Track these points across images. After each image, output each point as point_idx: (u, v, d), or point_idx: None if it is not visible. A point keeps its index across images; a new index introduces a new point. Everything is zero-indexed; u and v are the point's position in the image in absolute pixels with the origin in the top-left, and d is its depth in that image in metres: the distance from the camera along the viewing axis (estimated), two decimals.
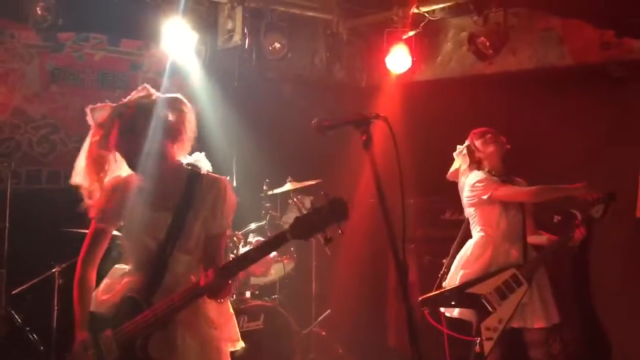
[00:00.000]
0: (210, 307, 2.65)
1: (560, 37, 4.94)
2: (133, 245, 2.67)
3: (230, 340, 2.74)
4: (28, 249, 4.63)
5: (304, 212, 2.99)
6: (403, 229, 2.20)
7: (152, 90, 2.65)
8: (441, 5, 5.16)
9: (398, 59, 5.35)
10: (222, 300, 2.57)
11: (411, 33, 5.26)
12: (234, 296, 4.77)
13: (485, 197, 4.13)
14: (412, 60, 5.34)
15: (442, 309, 4.21)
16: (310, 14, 5.58)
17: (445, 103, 5.46)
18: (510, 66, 5.17)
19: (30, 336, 4.51)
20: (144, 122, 2.55)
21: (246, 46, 5.29)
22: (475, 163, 4.30)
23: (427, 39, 5.56)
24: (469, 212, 4.33)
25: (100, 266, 2.75)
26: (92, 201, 2.67)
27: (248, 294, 4.99)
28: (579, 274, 4.99)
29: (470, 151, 4.32)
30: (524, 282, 4.02)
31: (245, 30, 5.24)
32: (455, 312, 4.18)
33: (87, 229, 2.74)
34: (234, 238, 4.81)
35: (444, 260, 4.49)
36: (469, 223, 4.37)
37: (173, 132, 2.63)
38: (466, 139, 4.36)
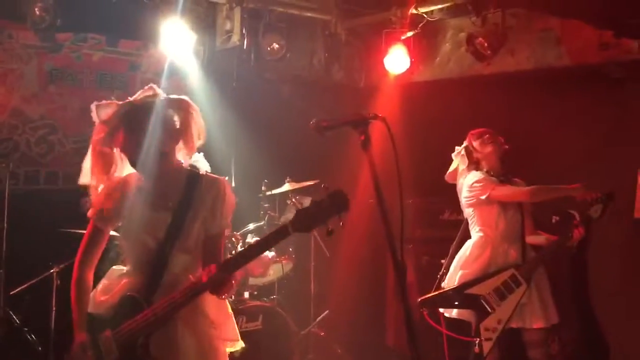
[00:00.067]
0: (209, 306, 2.65)
1: (558, 37, 4.94)
2: (132, 244, 2.66)
3: (228, 339, 2.74)
4: (26, 250, 4.62)
5: None
6: (401, 230, 2.20)
7: (159, 90, 2.65)
8: (439, 6, 5.16)
9: (396, 60, 5.35)
10: (224, 296, 2.57)
11: (410, 34, 5.26)
12: (233, 297, 4.77)
13: (483, 197, 4.14)
14: (411, 61, 5.34)
15: (441, 310, 4.21)
16: (309, 14, 5.57)
17: (444, 104, 5.46)
18: (509, 67, 5.17)
19: (29, 337, 4.51)
20: (149, 121, 2.54)
21: (244, 47, 5.29)
22: (473, 164, 4.31)
23: (426, 39, 5.57)
24: (467, 212, 4.33)
25: (98, 267, 2.75)
26: (91, 201, 2.67)
27: (247, 294, 4.98)
28: (577, 274, 4.99)
29: (469, 152, 4.32)
30: (522, 282, 4.02)
31: (244, 31, 5.24)
32: (454, 313, 4.18)
33: (86, 229, 2.74)
34: (233, 239, 4.81)
35: (443, 261, 4.50)
36: (467, 223, 4.37)
37: (176, 133, 2.63)
38: (465, 139, 4.37)
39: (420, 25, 5.24)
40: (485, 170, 4.26)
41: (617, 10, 4.40)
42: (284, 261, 5.20)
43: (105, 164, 2.63)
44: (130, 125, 2.56)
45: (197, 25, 5.16)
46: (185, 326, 2.58)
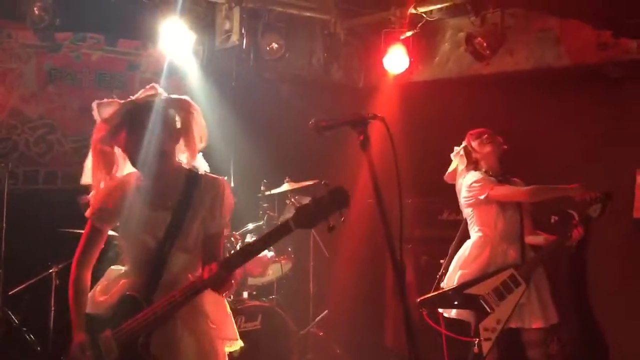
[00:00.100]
0: (209, 305, 2.66)
1: (557, 37, 4.94)
2: (131, 244, 2.66)
3: (227, 339, 2.74)
4: (25, 250, 4.62)
5: None
6: (400, 229, 2.20)
7: (161, 90, 2.65)
8: (439, 6, 5.16)
9: (395, 60, 5.35)
10: (225, 294, 2.57)
11: (409, 33, 5.26)
12: (232, 296, 4.77)
13: (482, 197, 4.14)
14: (410, 61, 5.34)
15: (440, 310, 4.21)
16: (308, 14, 5.57)
17: (443, 103, 5.46)
18: (508, 67, 5.17)
19: (27, 337, 4.51)
20: (149, 120, 2.54)
21: (244, 46, 5.28)
22: (472, 164, 4.31)
23: (425, 39, 5.57)
24: (466, 212, 4.33)
25: (97, 267, 2.74)
26: (89, 201, 2.67)
27: (245, 294, 4.98)
28: (576, 274, 4.99)
29: (467, 152, 4.32)
30: (522, 282, 4.02)
31: (243, 31, 5.23)
32: (453, 313, 4.18)
33: (84, 229, 2.73)
34: (232, 238, 4.81)
35: (442, 261, 4.50)
36: (467, 223, 4.37)
37: (177, 133, 2.63)
38: (464, 139, 4.37)
39: (419, 25, 5.24)
40: (484, 170, 4.26)
41: (615, 10, 4.40)
42: (283, 261, 5.20)
43: (106, 163, 2.62)
44: (132, 124, 2.56)
45: (196, 25, 5.16)
46: (184, 325, 2.58)
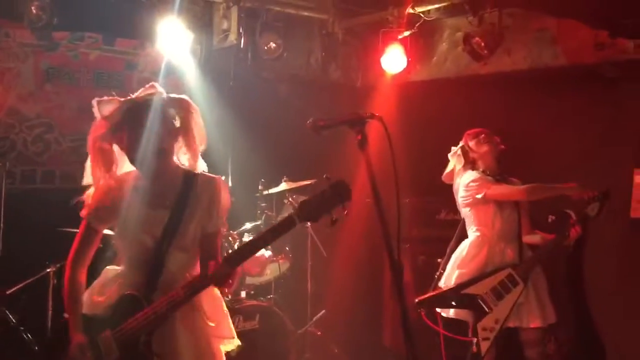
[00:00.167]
0: (206, 303, 2.66)
1: (554, 37, 4.95)
2: (129, 244, 2.66)
3: (224, 337, 2.74)
4: (23, 249, 4.61)
5: None
6: (398, 229, 2.20)
7: (161, 89, 2.65)
8: (436, 6, 5.16)
9: (393, 59, 5.35)
10: (227, 290, 2.58)
11: (406, 33, 5.26)
12: (229, 296, 4.77)
13: (479, 196, 4.14)
14: (408, 61, 5.35)
15: (438, 310, 4.21)
16: (306, 13, 5.57)
17: (441, 103, 5.47)
18: (505, 66, 5.18)
19: (25, 336, 4.50)
20: (149, 119, 2.54)
21: (242, 46, 5.28)
22: (469, 163, 4.32)
23: (423, 39, 5.57)
24: (464, 212, 4.34)
25: (94, 267, 2.74)
26: (85, 200, 2.66)
27: (243, 293, 4.98)
28: (573, 273, 5.00)
29: (465, 152, 4.33)
30: (520, 281, 4.03)
31: (241, 30, 5.23)
32: (451, 313, 4.19)
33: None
34: (229, 238, 4.81)
35: (439, 260, 4.50)
36: (465, 223, 4.38)
37: (176, 132, 2.63)
38: (461, 139, 4.38)
39: (417, 25, 5.25)
40: (481, 170, 4.26)
41: (612, 11, 4.41)
42: (280, 260, 5.21)
43: (105, 160, 2.61)
44: (133, 122, 2.56)
45: (194, 24, 5.15)
46: (182, 323, 2.59)
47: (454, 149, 4.40)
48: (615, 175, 4.68)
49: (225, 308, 2.78)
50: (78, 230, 2.73)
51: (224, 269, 2.44)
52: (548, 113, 5.12)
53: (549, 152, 5.01)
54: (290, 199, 5.25)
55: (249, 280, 5.09)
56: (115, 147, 2.64)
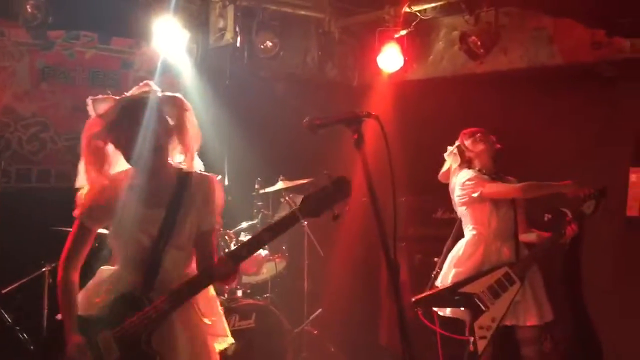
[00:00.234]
0: (201, 302, 2.66)
1: (551, 36, 4.95)
2: (125, 243, 2.64)
3: (218, 335, 2.74)
4: (18, 248, 4.60)
5: None
6: (394, 228, 2.21)
7: (155, 87, 2.65)
8: (433, 5, 5.16)
9: (390, 58, 5.35)
10: (228, 286, 2.58)
11: (403, 32, 5.26)
12: (226, 295, 4.76)
13: (475, 195, 4.15)
14: (404, 59, 5.35)
15: (434, 308, 4.21)
16: (302, 12, 5.57)
17: (437, 102, 5.47)
18: (502, 65, 5.18)
19: (21, 336, 4.48)
20: (145, 117, 2.54)
21: (238, 45, 5.27)
22: (465, 162, 4.32)
23: (419, 38, 5.56)
24: (460, 211, 4.34)
25: (88, 267, 2.72)
26: (78, 200, 2.65)
27: (240, 292, 4.97)
28: (570, 272, 5.01)
29: (461, 151, 4.34)
30: (516, 280, 4.03)
31: (237, 29, 5.22)
32: (448, 312, 4.19)
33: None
34: (226, 237, 4.80)
35: (436, 259, 4.50)
36: (461, 222, 4.38)
37: (171, 130, 2.63)
38: (457, 137, 4.38)
39: (413, 24, 5.24)
40: (477, 168, 4.27)
41: (609, 10, 4.41)
42: (277, 259, 5.20)
43: (98, 159, 2.60)
44: (128, 120, 2.54)
45: (190, 23, 5.15)
46: (180, 321, 2.59)
47: (450, 148, 4.40)
48: (612, 174, 4.69)
49: (219, 306, 2.78)
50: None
51: (229, 265, 2.46)
52: (544, 112, 5.13)
53: (546, 151, 5.01)
54: (286, 198, 5.25)
55: (245, 279, 5.08)
56: (109, 147, 2.63)
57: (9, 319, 4.54)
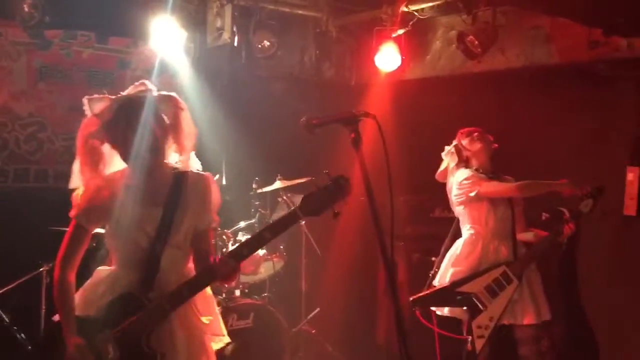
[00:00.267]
0: (199, 301, 2.66)
1: (548, 35, 4.95)
2: (122, 243, 2.64)
3: (215, 335, 2.75)
4: (15, 248, 4.59)
5: None
6: (391, 227, 2.21)
7: (151, 86, 2.64)
8: (430, 4, 5.16)
9: (387, 57, 5.34)
10: (228, 285, 2.58)
11: (400, 31, 5.26)
12: (224, 294, 4.76)
13: (472, 194, 4.15)
14: (402, 59, 5.34)
15: (432, 308, 4.22)
16: (300, 12, 5.56)
17: (434, 101, 5.47)
18: (499, 65, 5.18)
19: (18, 335, 4.48)
20: (142, 115, 2.54)
21: (235, 44, 5.27)
22: (463, 161, 4.33)
23: (416, 37, 5.57)
24: (458, 210, 4.34)
25: (86, 267, 2.72)
26: (74, 200, 2.64)
27: (237, 292, 4.97)
28: (567, 271, 5.02)
29: (458, 150, 4.34)
30: (514, 279, 4.04)
31: (235, 29, 5.22)
32: (445, 311, 4.19)
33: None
34: (223, 236, 4.80)
35: (433, 258, 4.51)
36: (459, 221, 4.38)
37: (167, 130, 2.62)
38: (455, 137, 4.39)
39: (411, 23, 5.24)
40: (474, 167, 4.27)
41: (606, 9, 4.41)
42: (275, 259, 5.20)
43: (93, 159, 2.60)
44: (125, 119, 2.54)
45: (187, 23, 5.14)
46: (178, 320, 2.59)
47: (447, 148, 4.41)
48: (609, 173, 4.69)
49: (215, 305, 2.79)
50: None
51: (231, 265, 2.47)
52: (542, 111, 5.13)
53: (543, 150, 5.02)
54: (284, 197, 5.25)
55: (243, 278, 5.08)
56: (105, 146, 2.63)
57: (7, 319, 4.53)
